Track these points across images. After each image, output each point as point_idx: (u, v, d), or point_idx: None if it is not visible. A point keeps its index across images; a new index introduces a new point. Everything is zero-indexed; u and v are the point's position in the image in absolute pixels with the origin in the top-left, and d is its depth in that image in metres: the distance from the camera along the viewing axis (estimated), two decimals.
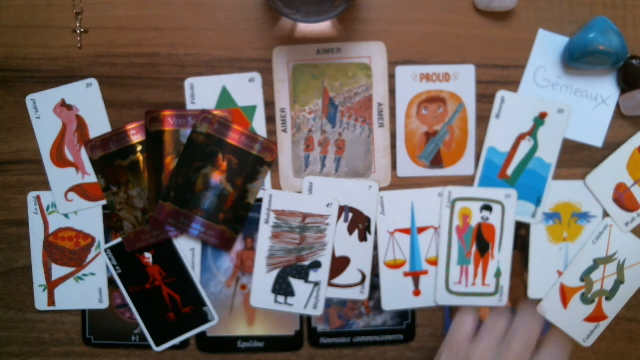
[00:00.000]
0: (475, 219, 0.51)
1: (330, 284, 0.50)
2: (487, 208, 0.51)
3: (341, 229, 0.50)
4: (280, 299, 0.50)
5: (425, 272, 0.51)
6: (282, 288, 0.50)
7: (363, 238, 0.50)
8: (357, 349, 0.52)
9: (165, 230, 0.50)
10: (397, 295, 0.51)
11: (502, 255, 0.51)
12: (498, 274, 0.51)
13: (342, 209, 0.50)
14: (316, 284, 0.50)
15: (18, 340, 0.52)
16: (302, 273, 0.50)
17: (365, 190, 0.50)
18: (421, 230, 0.51)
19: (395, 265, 0.51)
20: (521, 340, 0.45)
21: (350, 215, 0.50)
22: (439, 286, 0.51)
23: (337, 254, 0.50)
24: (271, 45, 0.50)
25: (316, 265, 0.50)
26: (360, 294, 0.50)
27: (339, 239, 0.50)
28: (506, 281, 0.51)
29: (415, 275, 0.51)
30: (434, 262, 0.51)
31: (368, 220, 0.50)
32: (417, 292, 0.51)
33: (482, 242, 0.51)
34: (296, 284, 0.50)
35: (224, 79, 0.50)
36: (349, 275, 0.50)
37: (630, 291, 0.51)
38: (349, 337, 0.52)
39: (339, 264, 0.50)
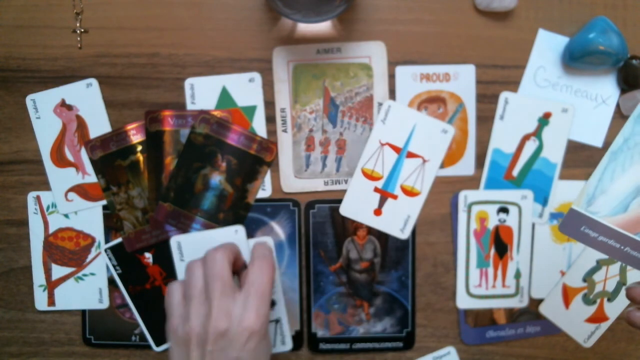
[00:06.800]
0: (492, 222, 0.51)
1: None
2: (504, 210, 0.51)
3: None
4: None
5: (395, 197, 0.50)
6: None
7: None
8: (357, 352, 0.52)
9: (165, 230, 0.50)
10: (359, 206, 0.50)
11: (521, 256, 0.51)
12: (518, 275, 0.51)
13: None
14: (277, 321, 0.49)
15: (18, 340, 0.52)
16: None
17: (232, 234, 0.48)
18: (410, 155, 0.50)
19: (371, 177, 0.50)
20: (216, 279, 0.39)
21: None
22: (460, 290, 0.51)
23: None
24: (271, 45, 0.50)
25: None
26: None
27: None
28: (526, 282, 0.51)
29: (384, 195, 0.50)
30: (407, 191, 0.50)
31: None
32: (378, 212, 0.50)
33: (500, 244, 0.51)
34: None
35: (224, 79, 0.50)
36: None
37: None
38: (349, 343, 0.52)
39: None
